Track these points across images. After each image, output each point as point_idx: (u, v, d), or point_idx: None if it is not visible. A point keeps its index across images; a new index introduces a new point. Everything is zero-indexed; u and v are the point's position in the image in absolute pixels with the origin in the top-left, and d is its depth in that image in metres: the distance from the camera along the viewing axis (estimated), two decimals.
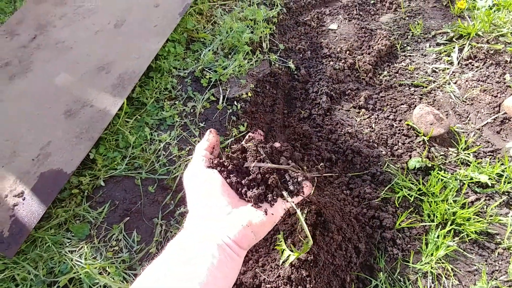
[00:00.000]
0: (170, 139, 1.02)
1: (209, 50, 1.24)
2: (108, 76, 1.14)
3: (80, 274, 0.79)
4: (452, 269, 0.83)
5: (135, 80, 1.08)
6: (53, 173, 0.93)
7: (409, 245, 0.86)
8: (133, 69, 1.12)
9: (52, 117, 1.05)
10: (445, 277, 0.81)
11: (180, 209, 0.89)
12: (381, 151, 1.02)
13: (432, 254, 0.83)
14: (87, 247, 0.85)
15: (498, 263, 0.85)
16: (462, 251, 0.86)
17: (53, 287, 0.79)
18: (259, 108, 1.11)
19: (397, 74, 1.26)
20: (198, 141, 1.01)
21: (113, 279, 0.79)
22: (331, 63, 1.25)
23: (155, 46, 1.17)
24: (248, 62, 1.21)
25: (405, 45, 1.36)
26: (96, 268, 0.80)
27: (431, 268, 0.82)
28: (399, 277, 0.81)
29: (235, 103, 1.10)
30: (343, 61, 1.25)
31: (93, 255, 0.84)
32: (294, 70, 1.24)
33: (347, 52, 1.28)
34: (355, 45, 1.32)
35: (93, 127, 1.00)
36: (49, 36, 1.30)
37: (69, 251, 0.85)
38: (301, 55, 1.30)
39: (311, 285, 0.74)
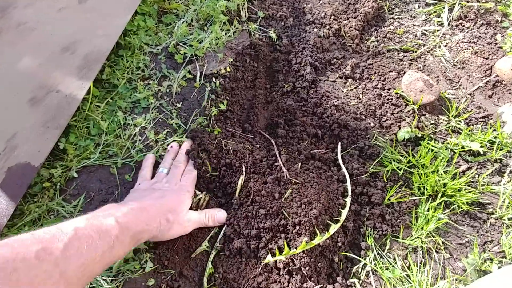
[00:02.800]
0: (146, 123, 0.95)
1: (182, 22, 1.14)
2: (73, 57, 1.04)
3: None
4: (443, 242, 0.81)
5: (102, 60, 0.99)
6: (21, 167, 0.87)
7: (398, 220, 0.83)
8: (99, 48, 1.03)
9: (17, 106, 0.97)
10: (436, 251, 0.80)
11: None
12: (369, 123, 0.97)
13: (422, 228, 0.81)
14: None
15: (490, 234, 0.83)
16: (453, 223, 0.84)
17: None
18: (240, 83, 1.04)
19: (385, 39, 1.19)
20: (176, 124, 0.95)
21: None
22: (315, 30, 1.17)
23: (122, 20, 1.07)
24: (225, 34, 1.12)
25: (393, 6, 1.28)
26: None
27: (422, 242, 0.80)
28: (388, 253, 0.79)
29: (214, 79, 1.02)
30: (327, 27, 1.17)
31: None
32: (275, 40, 1.15)
33: (332, 17, 1.20)
34: (340, 8, 1.23)
35: (60, 114, 0.93)
36: (11, 18, 1.18)
37: None
38: (282, 23, 1.21)
39: (298, 268, 0.72)
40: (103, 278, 0.74)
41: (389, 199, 0.84)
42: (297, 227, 0.75)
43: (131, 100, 0.99)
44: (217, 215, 0.79)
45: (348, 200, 0.80)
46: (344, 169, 0.87)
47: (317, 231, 0.74)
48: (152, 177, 0.84)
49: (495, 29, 1.23)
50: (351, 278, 0.76)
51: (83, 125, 0.95)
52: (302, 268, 0.72)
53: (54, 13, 1.17)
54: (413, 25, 1.22)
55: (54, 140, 0.90)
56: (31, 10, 1.20)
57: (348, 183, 0.83)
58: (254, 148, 0.91)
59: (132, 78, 1.03)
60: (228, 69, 1.04)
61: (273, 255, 0.72)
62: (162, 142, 0.92)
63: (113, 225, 0.58)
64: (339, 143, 0.92)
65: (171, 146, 0.89)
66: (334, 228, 0.74)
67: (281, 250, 0.72)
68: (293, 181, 0.81)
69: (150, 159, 0.88)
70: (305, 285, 0.71)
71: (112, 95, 1.00)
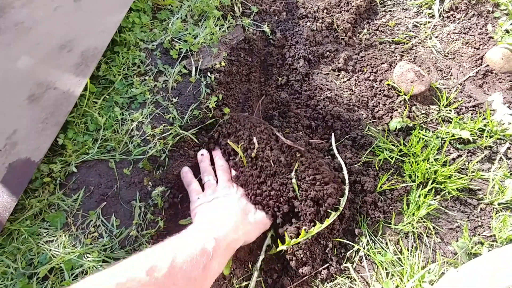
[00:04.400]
0: (143, 118, 0.97)
1: (177, 18, 1.15)
2: (70, 54, 1.06)
3: (61, 264, 0.77)
4: (434, 227, 0.84)
5: (98, 56, 1.01)
6: (21, 162, 0.89)
7: (390, 207, 0.86)
8: (95, 45, 1.04)
9: (16, 104, 0.98)
10: (427, 236, 0.82)
11: (157, 188, 0.86)
12: (362, 114, 0.99)
13: (413, 214, 0.84)
14: (65, 235, 0.83)
15: (480, 219, 0.86)
16: (443, 209, 0.86)
17: (34, 278, 0.77)
18: (234, 78, 1.06)
19: (377, 32, 1.20)
20: (173, 118, 0.97)
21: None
22: (308, 24, 1.18)
23: (117, 17, 1.08)
24: (220, 29, 1.14)
25: None
26: (76, 255, 0.79)
27: (413, 227, 0.82)
28: (380, 239, 0.82)
29: (209, 74, 1.04)
30: (320, 21, 1.19)
31: (72, 243, 0.82)
32: (269, 34, 1.17)
33: (325, 10, 1.21)
34: (333, 2, 1.24)
35: (58, 111, 0.94)
36: (8, 18, 1.19)
37: (46, 241, 0.83)
38: (276, 17, 1.23)
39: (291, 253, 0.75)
40: (104, 267, 0.76)
41: (381, 187, 0.87)
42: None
43: (127, 95, 1.01)
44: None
45: (346, 188, 0.83)
46: (340, 159, 0.89)
47: (315, 220, 0.76)
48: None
49: (486, 19, 1.25)
50: (345, 263, 0.78)
51: (81, 121, 0.96)
52: (297, 253, 0.74)
53: (51, 12, 1.19)
54: (405, 17, 1.24)
55: (53, 136, 0.92)
56: (28, 9, 1.22)
57: (345, 172, 0.85)
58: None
59: (128, 74, 1.05)
60: (223, 64, 1.05)
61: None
62: (159, 136, 0.94)
63: (211, 240, 0.63)
64: (333, 134, 0.94)
65: (202, 154, 0.91)
66: (333, 215, 0.77)
67: (282, 241, 0.74)
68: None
69: (189, 172, 0.89)
70: (300, 270, 0.74)
71: (109, 91, 1.01)
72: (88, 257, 0.78)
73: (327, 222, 0.75)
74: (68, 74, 1.01)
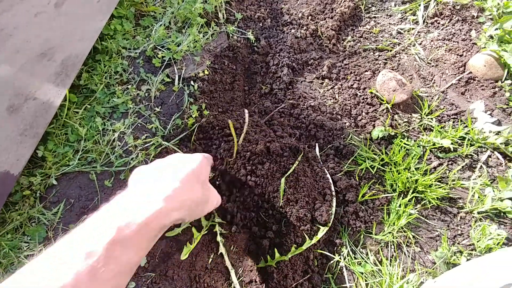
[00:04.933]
0: (125, 128, 0.96)
1: (160, 25, 1.14)
2: (50, 63, 1.04)
3: None
4: (413, 236, 0.85)
5: (78, 65, 0.99)
6: (0, 175, 0.87)
7: (372, 217, 0.86)
8: (76, 53, 1.03)
9: None
10: (407, 245, 0.83)
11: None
12: (345, 123, 1.00)
13: (394, 224, 0.84)
14: (45, 249, 0.82)
15: (460, 227, 0.87)
16: (424, 218, 0.87)
17: None
18: (218, 86, 1.06)
19: (361, 39, 1.21)
20: (155, 128, 0.97)
21: None
22: (293, 31, 1.18)
23: (98, 24, 1.06)
24: (203, 36, 1.13)
25: (370, 5, 1.29)
26: None
27: (393, 237, 0.83)
28: (361, 249, 0.82)
29: (192, 83, 1.03)
30: (304, 28, 1.18)
31: None
32: (253, 41, 1.17)
33: (309, 17, 1.21)
34: (318, 9, 1.24)
35: (37, 122, 0.93)
36: None
37: (27, 255, 0.82)
38: (260, 24, 1.22)
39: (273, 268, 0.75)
40: None
41: (362, 197, 0.87)
42: None
43: (109, 105, 1.00)
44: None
45: (334, 201, 0.83)
46: (326, 172, 0.89)
47: (305, 235, 0.76)
48: None
49: (470, 25, 1.26)
50: (326, 274, 0.79)
51: (61, 132, 0.95)
52: (278, 264, 0.74)
53: (31, 19, 1.16)
54: (389, 23, 1.24)
55: (32, 148, 0.90)
56: (8, 15, 1.19)
57: (331, 186, 0.86)
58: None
59: (110, 83, 1.04)
60: (206, 72, 1.05)
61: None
62: (141, 147, 0.94)
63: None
64: (317, 144, 0.95)
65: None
66: (322, 231, 0.77)
67: (272, 256, 0.74)
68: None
69: None
70: (281, 282, 0.74)
71: (90, 101, 1.00)
72: None
73: (316, 238, 0.75)
74: (48, 84, 1.00)
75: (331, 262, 0.80)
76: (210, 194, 0.62)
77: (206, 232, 0.83)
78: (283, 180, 0.80)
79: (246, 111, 0.87)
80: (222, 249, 0.79)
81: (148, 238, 0.49)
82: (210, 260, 0.78)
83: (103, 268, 0.43)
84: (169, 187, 0.53)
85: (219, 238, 0.81)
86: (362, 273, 0.78)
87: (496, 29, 1.19)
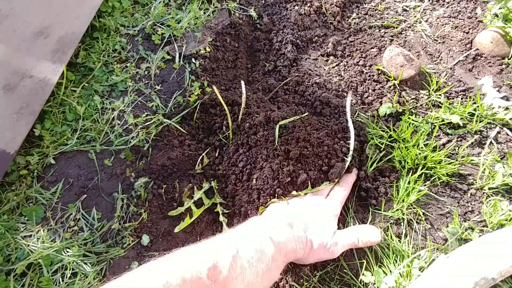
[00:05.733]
0: (124, 106, 0.93)
1: (159, 2, 1.10)
2: (47, 41, 1.01)
3: (39, 259, 0.74)
4: (424, 213, 0.82)
5: (76, 42, 0.96)
6: None
7: (380, 194, 0.84)
8: (72, 30, 0.99)
9: None
10: (416, 222, 0.81)
11: (140, 179, 0.83)
12: (351, 100, 0.97)
13: (403, 201, 0.82)
14: (43, 230, 0.79)
15: (471, 204, 0.85)
16: (433, 194, 0.85)
17: (12, 274, 0.74)
18: (220, 64, 1.02)
19: (367, 16, 1.17)
20: (156, 106, 0.93)
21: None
22: (296, 7, 1.15)
23: (95, 1, 1.03)
24: (204, 13, 1.09)
25: None
26: (55, 250, 0.75)
27: (403, 214, 0.81)
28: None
29: (193, 60, 1.00)
30: (308, 4, 1.15)
31: (51, 238, 0.78)
32: (256, 18, 1.13)
33: None
34: None
35: (33, 100, 0.90)
36: None
37: (24, 236, 0.79)
38: (263, 1, 1.19)
39: None
40: (85, 262, 0.73)
41: (371, 166, 0.85)
42: None
43: (108, 83, 0.96)
44: (371, 237, 0.72)
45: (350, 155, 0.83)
46: (350, 124, 0.86)
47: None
48: None
49: (475, 3, 1.23)
50: None
51: (58, 110, 0.92)
52: None
53: None
54: (394, 1, 1.21)
55: (28, 126, 0.87)
56: None
57: (352, 138, 0.85)
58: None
59: (109, 61, 1.00)
60: (208, 49, 1.01)
61: None
62: (141, 125, 0.91)
63: (270, 244, 0.58)
64: (349, 96, 0.91)
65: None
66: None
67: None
68: None
69: None
70: None
71: (88, 79, 0.97)
72: (68, 251, 0.75)
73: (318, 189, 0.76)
74: (45, 62, 0.96)
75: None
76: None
77: (208, 210, 0.80)
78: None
79: (242, 82, 0.84)
80: (226, 229, 0.76)
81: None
82: None
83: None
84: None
85: (221, 218, 0.78)
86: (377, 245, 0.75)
87: (501, 7, 1.16)
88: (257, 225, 0.65)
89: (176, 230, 0.76)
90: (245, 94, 0.83)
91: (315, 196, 0.77)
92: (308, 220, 0.69)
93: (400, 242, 0.77)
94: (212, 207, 0.82)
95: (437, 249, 0.78)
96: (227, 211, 0.80)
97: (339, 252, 0.68)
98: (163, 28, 1.05)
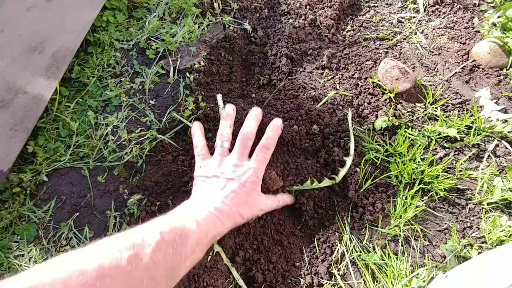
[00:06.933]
0: (118, 122, 0.93)
1: (154, 16, 1.10)
2: (41, 56, 1.00)
3: None
4: (421, 229, 0.81)
5: (69, 58, 0.96)
6: None
7: (377, 210, 0.82)
8: (67, 45, 0.99)
9: None
10: (414, 239, 0.80)
11: (134, 196, 0.82)
12: (347, 113, 0.96)
13: (400, 217, 0.81)
14: (35, 249, 0.78)
15: (469, 220, 0.83)
16: (431, 210, 0.83)
17: None
18: (215, 78, 1.02)
19: (361, 28, 1.17)
20: (150, 121, 0.93)
21: None
22: (290, 20, 1.15)
23: (90, 16, 1.03)
24: (199, 27, 1.09)
25: None
26: None
27: (400, 230, 0.79)
28: (368, 243, 0.79)
29: (188, 74, 1.00)
30: (303, 17, 1.15)
31: (43, 257, 0.77)
32: (250, 32, 1.13)
33: (307, 7, 1.18)
34: None
35: (27, 117, 0.89)
36: None
37: (17, 255, 0.78)
38: (257, 15, 1.19)
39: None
40: None
41: (366, 189, 0.84)
42: None
43: (102, 98, 0.96)
44: (288, 200, 0.79)
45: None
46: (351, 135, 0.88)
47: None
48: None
49: (472, 13, 1.23)
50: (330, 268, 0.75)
51: (52, 126, 0.91)
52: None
53: (23, 13, 1.13)
54: (389, 12, 1.21)
55: (21, 143, 0.87)
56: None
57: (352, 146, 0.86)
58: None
59: (103, 75, 1.00)
60: (202, 63, 1.01)
61: None
62: (135, 141, 0.90)
63: (194, 229, 0.57)
64: (350, 112, 0.93)
65: (229, 110, 0.80)
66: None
67: None
68: None
69: (199, 130, 0.81)
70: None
71: (82, 94, 0.97)
72: None
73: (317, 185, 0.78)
74: (39, 77, 0.96)
75: (335, 256, 0.77)
76: (258, 210, 0.72)
77: None
78: None
79: (219, 95, 0.85)
80: (217, 248, 0.75)
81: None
82: (209, 258, 0.74)
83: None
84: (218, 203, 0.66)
85: None
86: (375, 263, 0.74)
87: (499, 16, 1.16)
88: (186, 209, 0.66)
89: None
90: (221, 105, 0.85)
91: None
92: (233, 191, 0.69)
93: (397, 260, 0.76)
94: None
95: (436, 267, 0.76)
96: None
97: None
98: (157, 43, 1.05)
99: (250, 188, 0.70)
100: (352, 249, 0.77)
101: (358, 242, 0.78)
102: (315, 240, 0.79)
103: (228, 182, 0.70)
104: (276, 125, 0.78)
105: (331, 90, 1.01)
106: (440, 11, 1.22)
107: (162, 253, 0.50)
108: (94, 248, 0.48)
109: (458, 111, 0.99)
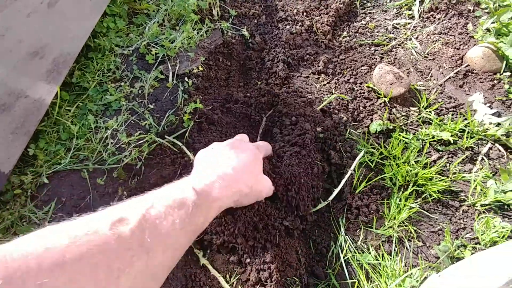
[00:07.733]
0: (118, 125, 0.94)
1: (154, 23, 1.13)
2: (42, 61, 1.03)
3: None
4: (415, 230, 0.82)
5: (70, 63, 0.98)
6: None
7: (371, 211, 0.84)
8: (68, 51, 1.01)
9: None
10: (408, 240, 0.81)
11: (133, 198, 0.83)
12: (342, 117, 0.98)
13: (395, 218, 0.82)
14: None
15: (463, 221, 0.84)
16: (425, 212, 0.85)
17: None
18: (213, 82, 1.04)
19: (357, 34, 1.20)
20: (149, 125, 0.95)
21: None
22: (288, 27, 1.17)
23: (91, 22, 1.05)
24: (197, 33, 1.12)
25: (365, 1, 1.29)
26: None
27: (394, 231, 0.81)
28: (362, 244, 0.80)
29: (186, 79, 1.02)
30: (300, 24, 1.17)
31: None
32: (248, 38, 1.16)
33: (304, 13, 1.20)
34: (313, 5, 1.24)
35: (28, 120, 0.91)
36: None
37: None
38: (255, 21, 1.21)
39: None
40: None
41: (361, 191, 0.85)
42: None
43: (102, 102, 0.98)
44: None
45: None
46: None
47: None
48: None
49: (466, 18, 1.25)
50: (326, 269, 0.76)
51: (53, 130, 0.93)
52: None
53: (24, 19, 1.15)
54: (385, 19, 1.23)
55: (22, 146, 0.88)
56: (0, 16, 1.18)
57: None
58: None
59: (103, 80, 1.02)
60: (201, 68, 1.03)
61: None
62: (134, 144, 0.92)
63: (190, 191, 0.53)
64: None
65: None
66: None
67: None
68: None
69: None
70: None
71: (82, 99, 0.99)
72: None
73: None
74: (40, 82, 0.98)
75: (330, 256, 0.78)
76: (262, 186, 0.70)
77: None
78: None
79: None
80: (202, 260, 0.75)
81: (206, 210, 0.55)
82: (206, 257, 0.76)
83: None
84: (224, 171, 0.61)
85: (197, 251, 0.77)
86: (369, 264, 0.75)
87: (493, 22, 1.18)
88: (181, 180, 0.60)
89: None
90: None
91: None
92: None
93: (391, 260, 0.77)
94: None
95: (429, 267, 0.78)
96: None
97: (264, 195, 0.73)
98: (157, 48, 1.07)
99: (253, 156, 0.67)
100: (346, 250, 0.78)
101: (352, 243, 0.79)
102: (311, 241, 0.80)
103: (230, 150, 0.67)
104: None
105: (327, 94, 1.03)
106: (435, 17, 1.24)
107: (152, 219, 0.46)
108: (83, 218, 0.45)
109: (452, 115, 1.00)
